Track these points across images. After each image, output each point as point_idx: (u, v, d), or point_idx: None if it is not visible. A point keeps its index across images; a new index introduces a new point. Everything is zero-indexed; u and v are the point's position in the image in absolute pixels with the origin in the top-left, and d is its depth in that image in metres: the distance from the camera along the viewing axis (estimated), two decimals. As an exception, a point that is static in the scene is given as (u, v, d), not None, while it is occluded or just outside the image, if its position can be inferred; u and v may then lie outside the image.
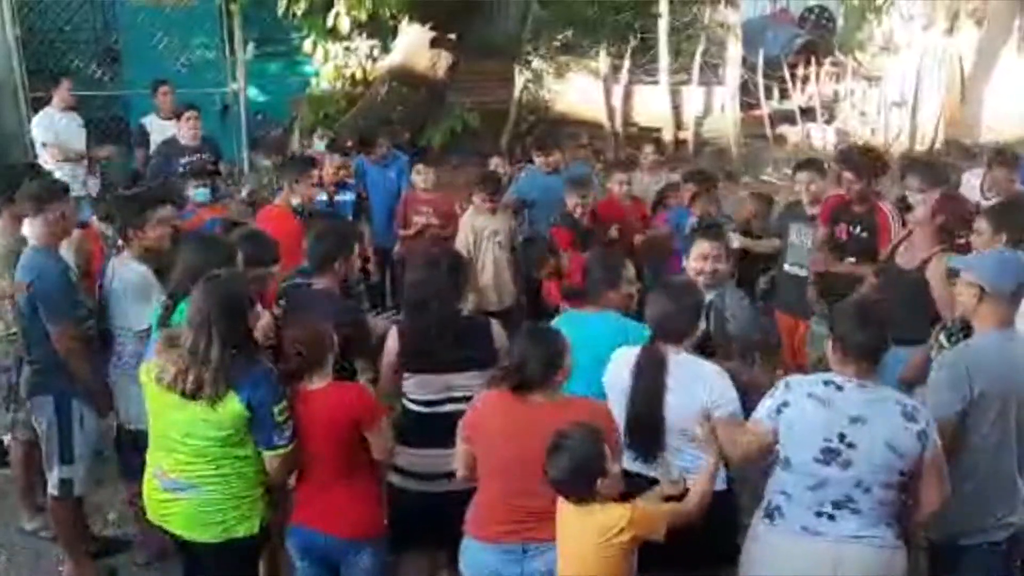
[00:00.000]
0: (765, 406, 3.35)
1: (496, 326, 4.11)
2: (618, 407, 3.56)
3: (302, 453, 3.51)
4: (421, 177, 7.02)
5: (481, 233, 6.50)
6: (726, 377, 3.54)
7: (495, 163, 7.90)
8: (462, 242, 6.46)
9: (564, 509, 3.17)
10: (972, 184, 6.39)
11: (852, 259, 5.56)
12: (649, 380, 3.53)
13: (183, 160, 7.43)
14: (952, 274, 3.90)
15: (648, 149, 7.95)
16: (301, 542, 3.66)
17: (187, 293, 3.62)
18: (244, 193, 7.70)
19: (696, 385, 3.50)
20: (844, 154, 6.32)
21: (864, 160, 5.87)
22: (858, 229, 5.63)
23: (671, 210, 6.78)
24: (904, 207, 5.40)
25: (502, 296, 6.57)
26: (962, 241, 4.75)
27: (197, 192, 6.33)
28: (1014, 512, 3.55)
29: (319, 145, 7.86)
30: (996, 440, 3.48)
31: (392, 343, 3.99)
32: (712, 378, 3.52)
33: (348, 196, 6.91)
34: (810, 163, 6.37)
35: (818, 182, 5.98)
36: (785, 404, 3.29)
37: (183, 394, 3.30)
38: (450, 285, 4.01)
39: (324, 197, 6.71)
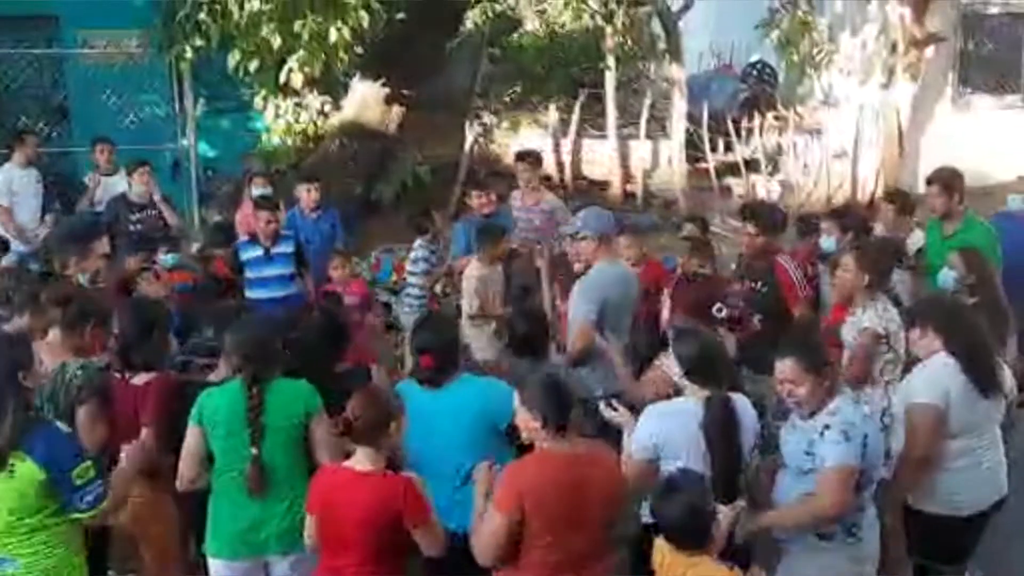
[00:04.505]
0: (856, 443, 3.48)
1: (379, 376, 4.34)
2: (689, 462, 3.59)
3: (326, 536, 3.39)
4: None
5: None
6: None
7: (437, 218, 7.51)
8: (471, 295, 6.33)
9: (669, 559, 3.16)
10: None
11: (759, 316, 5.52)
12: (727, 431, 3.62)
13: (133, 217, 7.39)
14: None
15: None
16: None
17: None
18: (194, 250, 7.67)
19: (748, 421, 3.77)
20: (747, 208, 6.45)
21: (767, 214, 5.96)
22: (759, 284, 5.62)
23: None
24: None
25: None
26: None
27: (166, 258, 6.42)
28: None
29: (255, 191, 7.59)
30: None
31: None
32: (752, 412, 3.81)
33: (287, 248, 6.66)
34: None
35: None
36: (865, 436, 3.50)
37: None
38: (320, 347, 4.19)
39: (260, 252, 6.54)
